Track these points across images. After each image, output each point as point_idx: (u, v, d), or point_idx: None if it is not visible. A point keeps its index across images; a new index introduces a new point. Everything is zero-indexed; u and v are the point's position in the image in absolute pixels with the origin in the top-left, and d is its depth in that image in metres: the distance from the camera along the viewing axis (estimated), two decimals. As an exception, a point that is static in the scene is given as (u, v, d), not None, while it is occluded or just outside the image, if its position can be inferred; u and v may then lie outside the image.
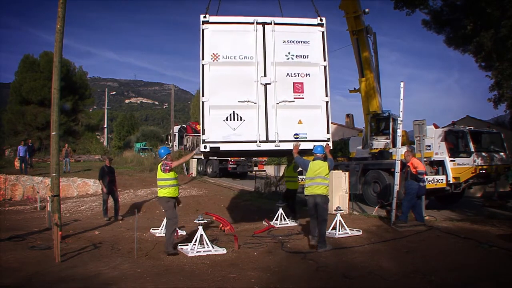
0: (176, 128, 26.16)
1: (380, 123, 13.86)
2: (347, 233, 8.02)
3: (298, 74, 7.50)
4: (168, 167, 6.89)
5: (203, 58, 7.17)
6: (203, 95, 7.16)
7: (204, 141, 7.06)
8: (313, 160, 7.20)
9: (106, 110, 42.89)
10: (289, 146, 7.28)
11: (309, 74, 7.51)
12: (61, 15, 7.90)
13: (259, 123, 7.22)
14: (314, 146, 7.22)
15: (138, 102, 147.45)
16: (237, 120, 7.14)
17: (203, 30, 7.25)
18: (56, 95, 7.91)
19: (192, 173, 21.46)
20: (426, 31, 13.83)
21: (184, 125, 26.99)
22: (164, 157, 7.08)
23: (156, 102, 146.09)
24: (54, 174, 7.90)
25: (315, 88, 7.48)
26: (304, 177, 7.64)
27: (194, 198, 13.14)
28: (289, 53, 7.50)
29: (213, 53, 7.18)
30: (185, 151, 22.40)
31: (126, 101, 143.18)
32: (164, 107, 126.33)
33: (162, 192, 6.97)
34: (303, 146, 7.31)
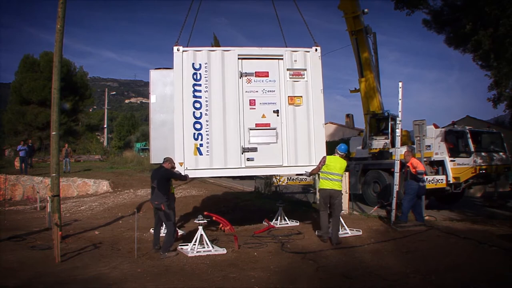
0: None
1: (380, 123, 13.86)
2: (347, 233, 8.01)
3: None
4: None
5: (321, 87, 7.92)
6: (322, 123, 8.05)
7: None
8: None
9: (106, 110, 42.86)
10: None
11: None
12: (61, 15, 7.91)
13: None
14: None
15: (138, 102, 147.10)
16: None
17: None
18: (56, 95, 7.93)
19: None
20: (427, 31, 13.82)
21: None
22: (345, 153, 7.99)
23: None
24: (54, 174, 7.92)
25: None
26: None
27: (194, 198, 13.13)
28: None
29: None
30: None
31: (126, 101, 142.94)
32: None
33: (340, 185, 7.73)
34: None
